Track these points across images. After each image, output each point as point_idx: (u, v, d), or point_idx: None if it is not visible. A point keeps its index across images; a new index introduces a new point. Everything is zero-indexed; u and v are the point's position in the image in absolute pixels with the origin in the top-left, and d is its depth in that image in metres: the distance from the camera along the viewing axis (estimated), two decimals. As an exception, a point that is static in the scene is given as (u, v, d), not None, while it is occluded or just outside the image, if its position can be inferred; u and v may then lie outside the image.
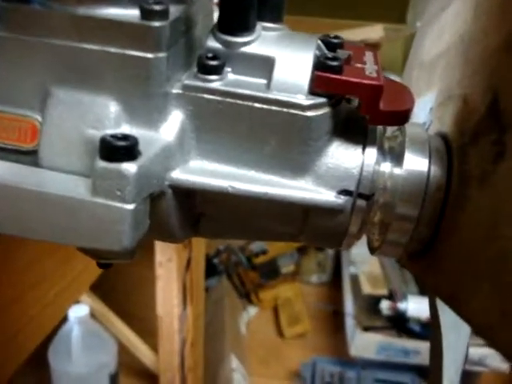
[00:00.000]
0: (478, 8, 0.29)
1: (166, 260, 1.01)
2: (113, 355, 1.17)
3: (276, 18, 0.26)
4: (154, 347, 1.17)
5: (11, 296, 0.60)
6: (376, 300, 1.44)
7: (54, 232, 0.23)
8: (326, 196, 0.25)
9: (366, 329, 1.43)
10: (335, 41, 0.27)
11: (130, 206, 0.21)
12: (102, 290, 1.24)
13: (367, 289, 1.50)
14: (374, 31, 1.96)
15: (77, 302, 1.10)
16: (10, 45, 0.23)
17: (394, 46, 1.95)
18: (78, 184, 0.22)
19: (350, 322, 1.50)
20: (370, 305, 1.46)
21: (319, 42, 0.26)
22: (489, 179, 0.22)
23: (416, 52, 0.39)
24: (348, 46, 0.27)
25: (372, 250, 0.29)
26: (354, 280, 1.58)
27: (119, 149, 0.21)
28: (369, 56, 0.27)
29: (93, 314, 1.15)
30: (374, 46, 2.00)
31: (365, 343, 1.42)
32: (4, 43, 0.23)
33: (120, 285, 1.38)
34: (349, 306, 1.55)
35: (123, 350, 1.22)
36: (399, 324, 1.38)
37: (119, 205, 0.21)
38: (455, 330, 0.28)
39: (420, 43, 0.38)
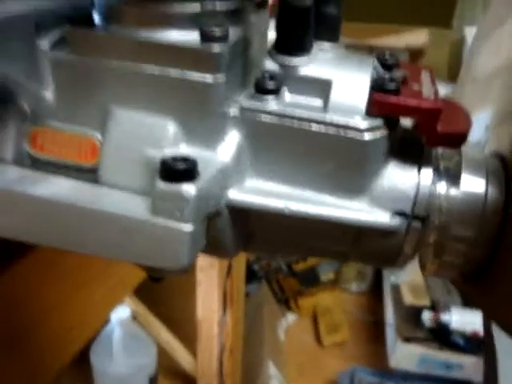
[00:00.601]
0: None
1: (208, 265, 1.02)
2: (152, 357, 1.19)
3: (332, 38, 0.26)
4: (193, 351, 1.18)
5: (57, 299, 0.61)
6: (418, 311, 1.41)
7: (112, 249, 0.23)
8: (381, 217, 0.25)
9: (407, 340, 1.40)
10: (391, 60, 0.26)
11: (189, 227, 0.22)
12: (144, 293, 1.26)
13: (409, 299, 1.47)
14: (418, 36, 1.93)
15: (119, 304, 1.13)
16: (75, 67, 0.24)
17: (440, 51, 1.92)
18: (137, 203, 0.23)
19: (390, 333, 1.48)
20: (412, 316, 1.43)
21: (375, 61, 0.26)
22: None
23: (469, 67, 0.38)
24: (404, 64, 0.27)
25: (425, 270, 0.29)
26: (395, 289, 1.55)
27: (179, 171, 0.21)
28: (425, 76, 0.26)
29: (134, 317, 1.17)
30: (418, 52, 1.97)
31: (405, 355, 1.40)
32: (70, 66, 0.24)
33: (161, 288, 1.40)
34: (389, 316, 1.52)
35: (163, 353, 1.24)
36: (442, 336, 1.35)
37: (178, 225, 0.22)
38: (512, 357, 0.27)
39: (473, 58, 0.38)
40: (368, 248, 0.27)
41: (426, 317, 1.38)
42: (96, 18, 0.24)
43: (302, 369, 1.53)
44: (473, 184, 0.26)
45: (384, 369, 1.45)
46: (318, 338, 1.64)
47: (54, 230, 0.24)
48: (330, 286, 1.77)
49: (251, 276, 1.58)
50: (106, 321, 1.11)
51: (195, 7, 0.23)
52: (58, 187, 0.24)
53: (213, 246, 0.27)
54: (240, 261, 1.10)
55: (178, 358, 1.27)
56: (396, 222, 0.25)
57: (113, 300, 0.81)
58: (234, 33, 0.24)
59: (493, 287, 0.25)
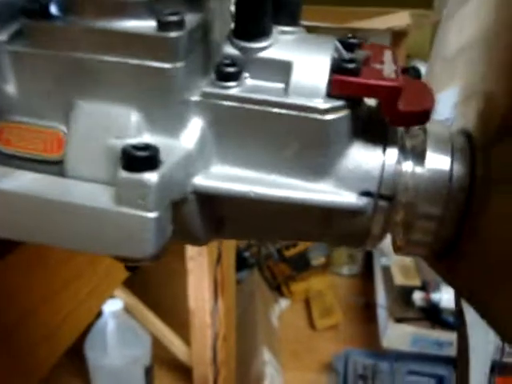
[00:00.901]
0: (499, 2, 0.28)
1: (197, 254, 1.02)
2: (147, 348, 1.19)
3: (292, 22, 0.26)
4: (188, 340, 1.18)
5: (46, 294, 0.61)
6: (408, 291, 1.42)
7: (79, 240, 0.23)
8: (348, 198, 0.25)
9: (399, 320, 1.42)
10: (353, 41, 0.27)
11: (153, 214, 0.22)
12: (135, 284, 1.26)
13: (399, 280, 1.48)
14: (400, 18, 1.93)
15: (111, 296, 1.13)
16: (34, 60, 0.24)
17: (422, 32, 1.92)
18: (102, 193, 0.23)
19: (382, 314, 1.49)
20: (403, 296, 1.44)
21: (337, 43, 0.26)
22: (510, 183, 0.21)
23: (438, 45, 0.38)
24: (366, 45, 0.27)
25: (396, 249, 0.29)
26: (386, 271, 1.56)
27: (140, 159, 0.21)
28: (387, 55, 0.27)
29: (127, 309, 1.18)
30: (401, 34, 1.97)
31: (397, 335, 1.41)
32: (28, 58, 0.24)
33: (152, 279, 1.40)
34: (381, 297, 1.54)
35: (157, 344, 1.24)
36: (432, 315, 1.37)
37: (142, 213, 0.22)
38: (483, 330, 0.27)
39: (442, 36, 0.38)
40: (338, 229, 0.27)
41: (417, 297, 1.40)
42: (53, 9, 0.24)
43: (296, 353, 1.55)
44: (438, 161, 0.26)
45: (377, 350, 1.46)
46: (312, 322, 1.65)
47: (22, 224, 0.24)
48: (321, 271, 1.78)
49: (242, 263, 1.58)
50: (99, 314, 1.12)
51: (150, -5, 0.23)
52: (24, 181, 0.24)
53: (182, 233, 0.27)
54: (229, 248, 1.10)
55: (172, 347, 1.28)
56: (362, 201, 0.25)
57: (103, 293, 0.81)
58: (191, 19, 0.24)
59: (460, 264, 0.26)
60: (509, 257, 0.21)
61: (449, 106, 0.33)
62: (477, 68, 0.29)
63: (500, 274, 0.21)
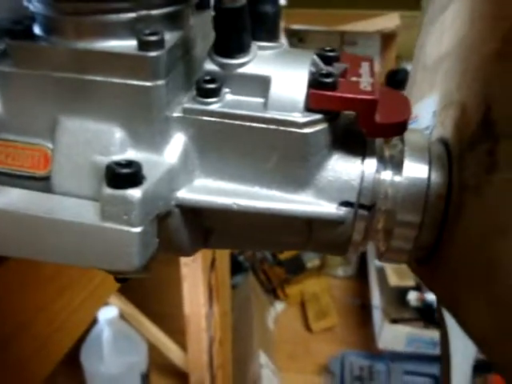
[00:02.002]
0: (474, 12, 0.29)
1: (191, 260, 1.02)
2: (143, 355, 1.19)
3: (271, 37, 0.26)
4: (184, 345, 1.19)
5: (40, 304, 0.62)
6: (403, 292, 1.43)
7: (67, 255, 0.24)
8: (327, 208, 0.26)
9: (394, 321, 1.42)
10: (331, 54, 0.27)
11: (137, 229, 0.22)
12: (130, 291, 1.27)
13: (394, 281, 1.49)
14: (390, 20, 1.94)
15: (106, 304, 1.13)
16: (19, 79, 0.25)
17: (412, 33, 1.92)
18: (87, 209, 0.23)
19: (377, 315, 1.50)
20: (398, 297, 1.45)
21: (315, 57, 0.27)
22: (482, 189, 0.22)
23: (418, 53, 0.39)
24: (345, 57, 0.28)
25: (379, 256, 0.30)
26: (381, 272, 1.57)
27: (124, 176, 0.22)
28: (365, 67, 0.27)
29: (122, 316, 1.18)
30: (390, 35, 1.98)
31: (393, 335, 1.42)
32: (13, 78, 0.25)
33: (147, 285, 1.40)
34: (376, 298, 1.55)
35: (153, 350, 1.25)
36: (427, 315, 1.38)
37: (127, 228, 0.22)
38: (463, 335, 0.28)
39: (421, 44, 0.39)
40: (320, 238, 0.28)
41: (412, 297, 1.41)
42: (36, 30, 0.25)
43: (292, 356, 1.55)
44: (415, 170, 0.27)
45: (373, 351, 1.47)
46: (307, 325, 1.66)
47: (11, 240, 0.25)
48: (315, 273, 1.79)
49: (237, 267, 1.59)
50: (95, 321, 1.12)
51: (130, 16, 0.23)
52: (12, 197, 0.25)
53: (169, 245, 0.27)
54: (224, 253, 1.11)
55: (168, 353, 1.28)
56: (342, 211, 0.26)
57: (97, 301, 0.81)
58: (171, 37, 0.24)
59: (439, 271, 0.26)
60: (478, 265, 0.22)
61: (429, 114, 0.33)
62: (453, 77, 0.30)
63: (473, 282, 0.22)
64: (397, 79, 1.60)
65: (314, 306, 1.70)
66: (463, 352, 0.28)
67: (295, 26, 2.00)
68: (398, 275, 1.51)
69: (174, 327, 1.24)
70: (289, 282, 1.75)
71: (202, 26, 0.28)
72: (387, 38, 2.01)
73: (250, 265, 1.70)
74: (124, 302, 1.25)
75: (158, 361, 1.29)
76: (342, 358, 1.47)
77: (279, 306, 1.74)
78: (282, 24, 1.91)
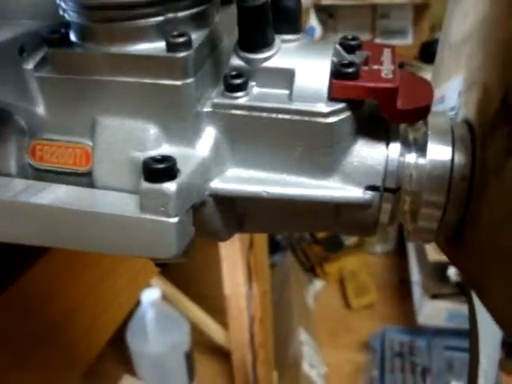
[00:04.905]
0: None
1: (229, 241, 1.04)
2: (186, 335, 1.23)
3: (293, 30, 0.27)
4: (225, 324, 1.22)
5: (85, 289, 0.65)
6: (443, 267, 1.42)
7: (110, 245, 0.26)
8: (354, 193, 0.27)
9: (434, 296, 1.42)
10: (353, 43, 0.28)
11: (174, 220, 0.24)
12: (171, 273, 1.30)
13: (433, 256, 1.48)
14: (422, -10, 1.90)
15: (148, 286, 1.17)
16: (59, 84, 0.27)
17: (445, 2, 1.87)
18: (127, 202, 0.25)
19: (417, 291, 1.50)
20: (437, 272, 1.44)
21: (337, 46, 0.28)
22: (501, 173, 0.22)
23: (445, 31, 0.39)
24: (366, 45, 0.28)
25: (407, 235, 0.31)
26: (420, 247, 1.56)
27: (160, 171, 0.24)
28: (387, 54, 0.28)
29: (164, 297, 1.22)
30: (423, 6, 1.93)
31: (433, 311, 1.42)
32: (54, 83, 0.27)
33: (188, 267, 1.44)
34: (415, 274, 1.54)
35: (196, 329, 1.28)
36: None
37: (164, 219, 0.24)
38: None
39: (448, 23, 0.39)
40: (348, 220, 0.29)
41: (452, 272, 1.39)
42: (72, 37, 0.27)
43: (333, 333, 1.57)
44: (439, 152, 0.27)
45: (414, 327, 1.47)
46: (347, 302, 1.67)
47: (59, 233, 0.27)
48: (354, 250, 1.79)
49: (275, 247, 1.61)
50: (138, 303, 1.16)
51: (158, 19, 0.25)
52: (58, 194, 0.27)
53: (206, 231, 0.29)
54: (261, 234, 1.12)
55: (210, 332, 1.32)
56: (368, 195, 0.27)
57: (140, 283, 0.84)
58: (198, 37, 0.26)
59: (464, 250, 0.27)
60: (502, 245, 0.22)
61: (455, 94, 0.34)
62: (475, 59, 0.30)
63: (497, 263, 0.23)
64: (432, 51, 1.57)
65: (353, 283, 1.71)
66: (492, 328, 0.29)
67: (325, 2, 1.97)
68: (437, 250, 1.49)
69: (215, 307, 1.27)
70: (327, 260, 1.77)
71: (228, 22, 0.29)
72: (420, 9, 1.97)
73: (288, 244, 1.72)
74: (166, 283, 1.29)
75: (200, 340, 1.32)
76: (383, 334, 1.48)
77: (318, 284, 1.76)
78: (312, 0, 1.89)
